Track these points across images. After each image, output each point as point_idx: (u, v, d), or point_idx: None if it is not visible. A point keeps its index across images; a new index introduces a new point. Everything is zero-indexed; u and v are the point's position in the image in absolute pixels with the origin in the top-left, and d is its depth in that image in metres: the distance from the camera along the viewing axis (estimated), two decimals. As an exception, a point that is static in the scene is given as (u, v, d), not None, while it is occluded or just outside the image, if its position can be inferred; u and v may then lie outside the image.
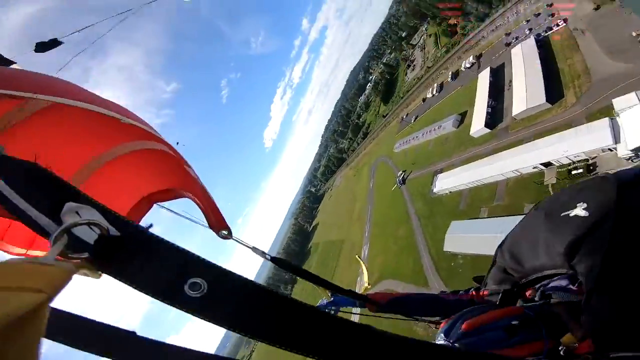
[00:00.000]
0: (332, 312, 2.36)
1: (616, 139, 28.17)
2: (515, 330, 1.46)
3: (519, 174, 38.34)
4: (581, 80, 37.72)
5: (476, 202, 44.06)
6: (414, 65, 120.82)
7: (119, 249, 0.83)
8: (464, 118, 59.52)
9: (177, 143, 2.15)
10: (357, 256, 60.41)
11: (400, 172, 77.45)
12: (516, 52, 51.30)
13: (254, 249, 1.96)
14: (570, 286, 1.60)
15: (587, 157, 30.94)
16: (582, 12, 43.20)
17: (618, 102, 28.63)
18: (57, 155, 1.69)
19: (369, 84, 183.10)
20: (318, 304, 2.40)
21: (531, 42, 49.29)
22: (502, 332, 1.46)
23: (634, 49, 32.99)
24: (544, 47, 47.10)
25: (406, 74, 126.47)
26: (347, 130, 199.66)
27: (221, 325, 0.83)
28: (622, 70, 32.76)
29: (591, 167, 30.42)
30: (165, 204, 2.27)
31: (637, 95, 27.37)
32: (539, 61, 44.87)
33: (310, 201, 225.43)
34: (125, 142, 2.01)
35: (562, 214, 1.53)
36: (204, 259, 0.87)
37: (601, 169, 29.22)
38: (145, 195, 2.27)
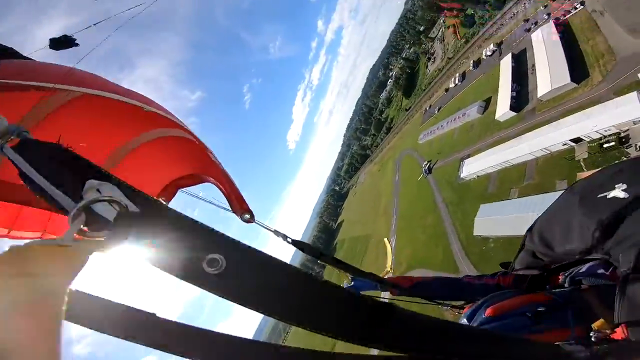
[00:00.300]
0: None
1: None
2: (541, 317, 1.44)
3: (548, 152, 38.17)
4: (605, 59, 37.78)
5: (505, 184, 43.69)
6: (435, 57, 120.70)
7: (138, 224, 0.79)
8: (488, 104, 59.61)
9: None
10: (385, 239, 58.33)
11: (426, 162, 77.20)
12: (537, 36, 51.50)
13: (276, 232, 2.05)
14: (603, 271, 1.56)
15: (618, 130, 30.81)
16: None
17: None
18: (87, 144, 1.75)
19: (390, 79, 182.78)
20: None
21: (550, 26, 49.49)
22: (526, 318, 1.44)
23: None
24: (564, 30, 47.21)
25: (427, 67, 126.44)
26: (369, 127, 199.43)
27: (239, 303, 0.79)
28: (646, 47, 32.74)
29: (623, 140, 30.25)
30: (189, 189, 2.39)
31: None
32: (560, 43, 45.02)
33: (335, 199, 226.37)
34: (148, 130, 2.09)
35: (598, 196, 1.48)
36: (224, 235, 0.81)
37: (635, 140, 29.34)
38: (170, 182, 2.36)
